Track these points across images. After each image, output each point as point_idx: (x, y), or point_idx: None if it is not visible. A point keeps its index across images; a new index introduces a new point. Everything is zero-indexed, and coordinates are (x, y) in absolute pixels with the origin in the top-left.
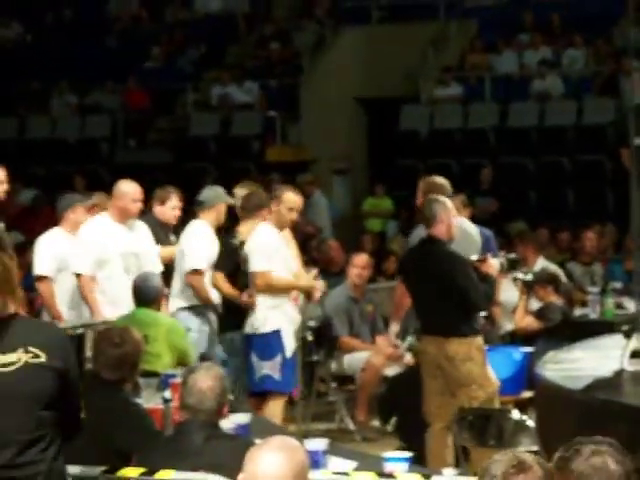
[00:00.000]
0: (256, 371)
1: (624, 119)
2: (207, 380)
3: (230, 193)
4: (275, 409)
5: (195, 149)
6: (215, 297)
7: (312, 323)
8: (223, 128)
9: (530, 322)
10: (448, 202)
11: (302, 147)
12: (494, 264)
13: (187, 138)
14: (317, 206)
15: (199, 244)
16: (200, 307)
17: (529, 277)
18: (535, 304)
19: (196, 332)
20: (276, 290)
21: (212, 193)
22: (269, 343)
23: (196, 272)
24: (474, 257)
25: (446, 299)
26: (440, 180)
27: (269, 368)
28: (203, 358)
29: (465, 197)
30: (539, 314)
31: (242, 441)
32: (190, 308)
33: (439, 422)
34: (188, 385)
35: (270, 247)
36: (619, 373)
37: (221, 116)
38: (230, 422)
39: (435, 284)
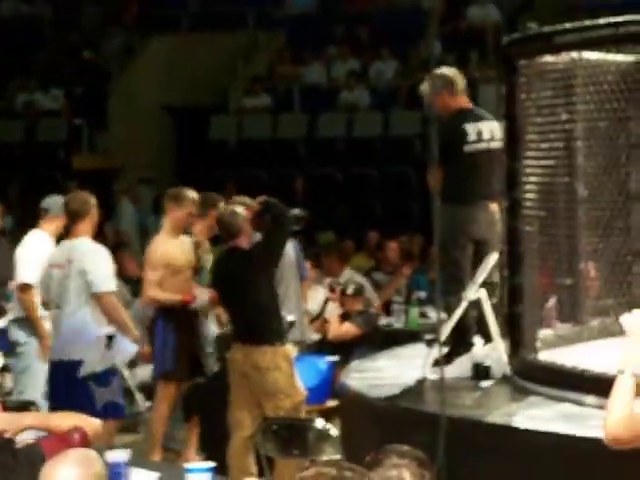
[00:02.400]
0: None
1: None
2: None
3: (34, 200)
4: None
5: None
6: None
7: None
8: (28, 135)
9: (349, 328)
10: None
11: (109, 155)
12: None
13: None
14: (123, 215)
15: (32, 257)
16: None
17: (351, 288)
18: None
19: (22, 345)
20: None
21: (58, 202)
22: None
23: (25, 286)
24: None
25: (253, 306)
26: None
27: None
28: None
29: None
30: (357, 321)
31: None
32: (22, 319)
33: (242, 432)
34: None
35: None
36: (421, 381)
37: (26, 123)
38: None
39: (242, 292)
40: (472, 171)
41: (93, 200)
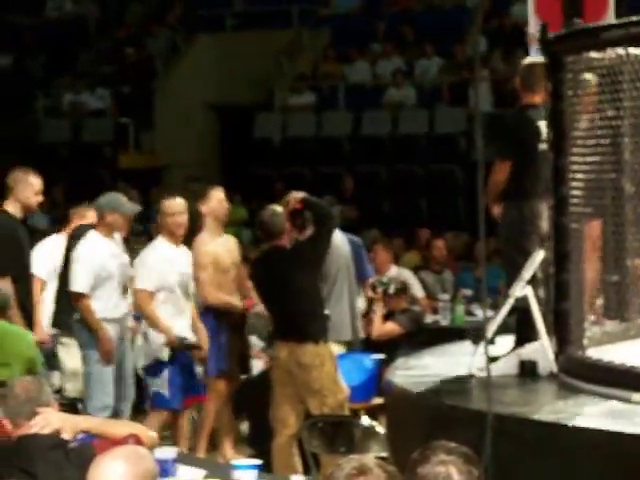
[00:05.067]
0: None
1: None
2: (21, 393)
3: (79, 200)
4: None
5: (45, 156)
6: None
7: None
8: (74, 135)
9: (392, 327)
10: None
11: (155, 154)
12: None
13: (37, 144)
14: None
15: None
16: None
17: (392, 287)
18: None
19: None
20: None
21: (107, 200)
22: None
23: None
24: None
25: (298, 304)
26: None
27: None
28: None
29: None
30: (401, 320)
31: (83, 448)
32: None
33: (287, 429)
34: (7, 400)
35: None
36: (467, 379)
37: (72, 122)
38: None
39: (286, 290)
40: (542, 168)
41: None
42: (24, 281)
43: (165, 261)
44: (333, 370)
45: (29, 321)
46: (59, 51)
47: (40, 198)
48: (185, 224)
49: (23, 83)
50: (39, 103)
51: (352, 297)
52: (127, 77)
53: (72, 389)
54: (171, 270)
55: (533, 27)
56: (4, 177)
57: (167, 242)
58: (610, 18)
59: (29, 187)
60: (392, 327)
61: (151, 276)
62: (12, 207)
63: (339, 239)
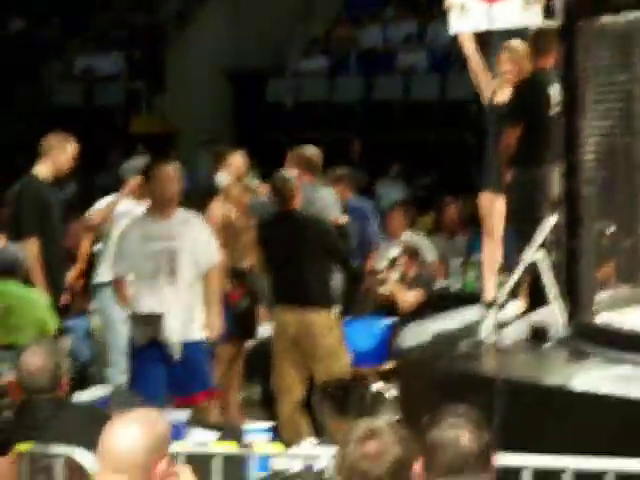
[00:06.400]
0: None
1: None
2: (36, 360)
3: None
4: None
5: (57, 120)
6: None
7: None
8: (86, 99)
9: (417, 296)
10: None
11: (167, 119)
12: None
13: (49, 109)
14: None
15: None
16: None
17: (393, 257)
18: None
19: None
20: None
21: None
22: None
23: None
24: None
25: (307, 269)
26: (310, 151)
27: None
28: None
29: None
30: (417, 285)
31: (94, 411)
32: None
33: (292, 396)
34: (19, 366)
35: None
36: (479, 343)
37: (84, 87)
38: (89, 395)
39: (297, 255)
40: (553, 133)
41: None
42: (50, 243)
43: None
44: (341, 336)
45: (56, 282)
46: (71, 15)
47: (72, 163)
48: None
49: (35, 48)
50: (51, 68)
51: None
52: (139, 41)
53: None
54: None
55: None
56: (18, 140)
57: None
58: None
59: (64, 153)
60: (416, 296)
61: None
62: (44, 170)
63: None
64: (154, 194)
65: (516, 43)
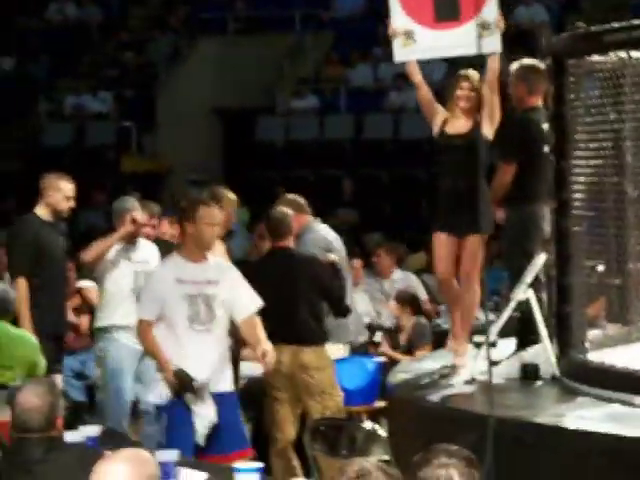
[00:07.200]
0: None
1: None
2: (32, 399)
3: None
4: None
5: (48, 159)
6: None
7: None
8: (77, 138)
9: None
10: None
11: (158, 157)
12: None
13: (40, 148)
14: None
15: None
16: None
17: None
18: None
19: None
20: None
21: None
22: None
23: None
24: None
25: (302, 306)
26: (298, 197)
27: None
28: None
29: None
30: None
31: (87, 451)
32: None
33: (286, 433)
34: (15, 405)
35: None
36: (469, 382)
37: (75, 126)
38: (79, 435)
39: (291, 292)
40: (545, 171)
41: None
42: (49, 282)
43: None
44: (333, 372)
45: (52, 322)
46: (62, 54)
47: (72, 203)
48: None
49: (26, 86)
50: (42, 107)
51: (351, 297)
52: (129, 80)
53: None
54: None
55: (397, 22)
56: (8, 181)
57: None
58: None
59: (59, 192)
60: (422, 353)
61: None
62: (42, 210)
63: (338, 241)
64: (194, 236)
65: (472, 72)
